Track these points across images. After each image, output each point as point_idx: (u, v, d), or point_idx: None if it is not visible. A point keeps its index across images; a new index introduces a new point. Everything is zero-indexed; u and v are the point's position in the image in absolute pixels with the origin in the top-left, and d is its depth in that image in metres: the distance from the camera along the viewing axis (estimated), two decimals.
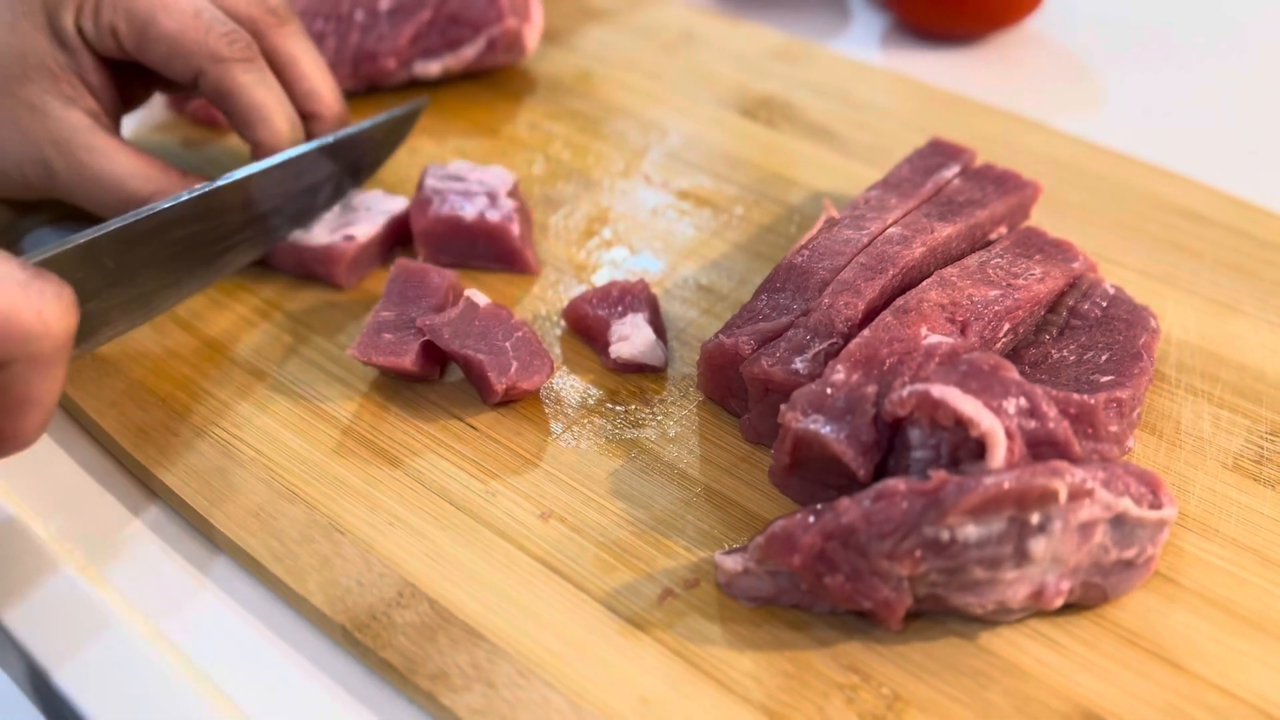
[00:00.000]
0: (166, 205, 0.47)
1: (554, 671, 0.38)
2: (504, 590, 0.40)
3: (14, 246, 0.57)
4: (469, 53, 0.66)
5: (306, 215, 0.54)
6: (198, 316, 0.52)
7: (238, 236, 0.51)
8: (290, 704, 0.39)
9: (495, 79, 0.69)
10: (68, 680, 0.39)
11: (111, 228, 0.45)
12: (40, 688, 0.41)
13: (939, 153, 0.55)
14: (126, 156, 0.51)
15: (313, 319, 0.52)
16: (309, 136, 0.54)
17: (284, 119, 0.51)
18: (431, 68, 0.67)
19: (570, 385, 0.49)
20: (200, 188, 0.48)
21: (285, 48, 0.53)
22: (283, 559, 0.41)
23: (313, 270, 0.53)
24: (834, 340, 0.44)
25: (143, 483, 0.46)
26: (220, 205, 0.49)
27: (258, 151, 0.52)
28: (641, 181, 0.61)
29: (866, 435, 0.41)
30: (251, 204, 0.51)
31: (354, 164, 0.56)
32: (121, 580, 0.42)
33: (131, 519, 0.44)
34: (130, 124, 0.66)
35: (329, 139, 0.54)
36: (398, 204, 0.55)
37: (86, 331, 0.44)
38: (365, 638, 0.39)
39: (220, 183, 0.49)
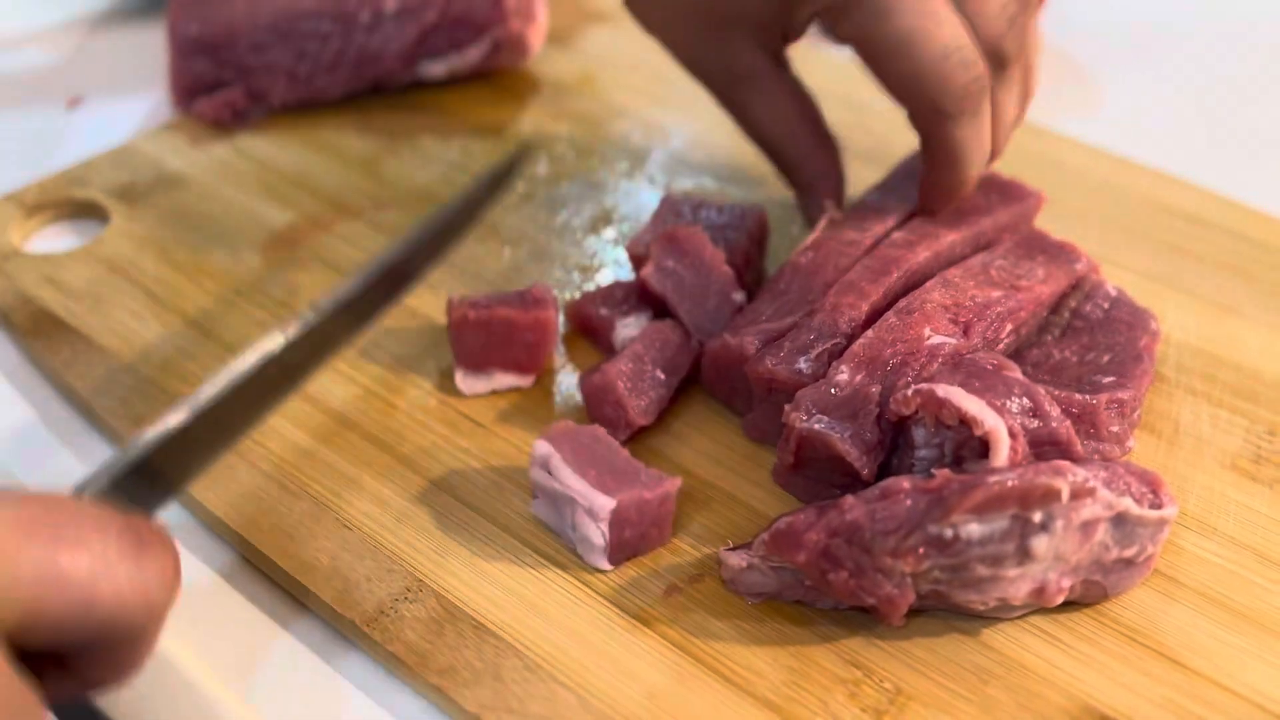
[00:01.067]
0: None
1: (561, 666, 0.38)
2: (510, 586, 0.41)
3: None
4: (473, 54, 0.67)
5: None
6: (207, 316, 0.52)
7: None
8: (298, 699, 0.39)
9: (499, 80, 0.70)
10: None
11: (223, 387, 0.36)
12: None
13: None
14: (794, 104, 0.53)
15: None
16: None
17: (976, 170, 0.48)
18: (436, 69, 0.67)
19: (575, 384, 0.49)
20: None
21: (999, 93, 0.47)
22: (291, 554, 0.42)
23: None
24: (838, 340, 0.45)
25: None
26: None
27: (926, 193, 0.49)
28: (645, 183, 0.62)
29: (870, 435, 0.41)
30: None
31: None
32: None
33: None
34: (134, 123, 0.67)
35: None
36: None
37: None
38: (374, 632, 0.39)
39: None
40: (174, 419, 0.35)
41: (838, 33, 0.47)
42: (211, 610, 0.42)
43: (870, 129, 0.65)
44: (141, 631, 0.30)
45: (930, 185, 0.49)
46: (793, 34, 0.52)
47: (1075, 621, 0.40)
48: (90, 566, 0.28)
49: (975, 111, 0.45)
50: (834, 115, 0.66)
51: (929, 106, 0.45)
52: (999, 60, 0.46)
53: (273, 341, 0.38)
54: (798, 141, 0.53)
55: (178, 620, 0.41)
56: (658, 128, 0.66)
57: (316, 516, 0.43)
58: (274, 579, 0.42)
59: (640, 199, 0.60)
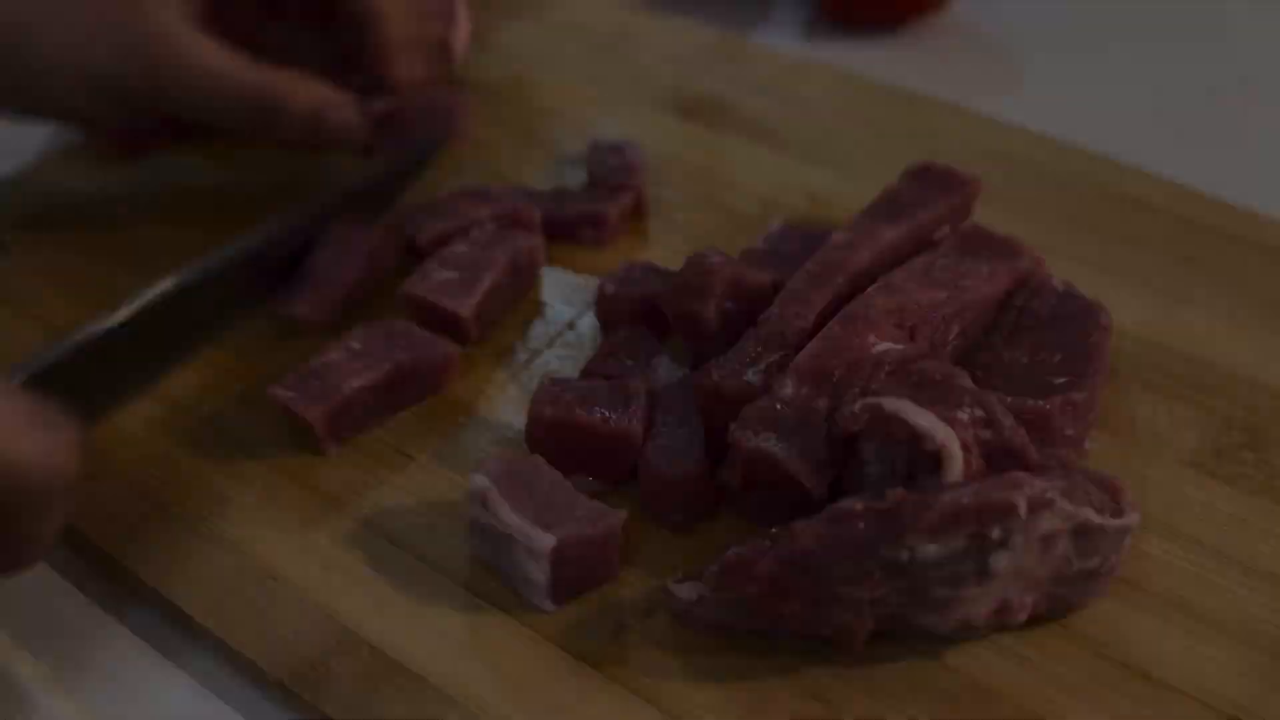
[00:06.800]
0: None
1: (506, 718, 0.36)
2: (450, 632, 0.39)
3: None
4: None
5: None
6: None
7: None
8: None
9: None
10: None
11: (121, 316, 0.45)
12: None
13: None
14: (229, 54, 0.49)
15: (248, 352, 0.49)
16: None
17: (403, 26, 0.52)
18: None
19: (511, 412, 0.47)
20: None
21: None
22: (212, 611, 0.39)
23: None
24: (785, 352, 0.43)
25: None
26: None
27: (367, 55, 0.52)
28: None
29: (820, 451, 0.39)
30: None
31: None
32: (31, 640, 0.40)
33: (47, 572, 0.42)
34: (35, 147, 0.63)
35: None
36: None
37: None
38: (304, 690, 0.37)
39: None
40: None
41: None
42: (119, 672, 0.39)
43: (809, 124, 0.63)
44: (44, 504, 0.32)
45: (377, 56, 0.53)
46: None
47: (1041, 638, 0.38)
48: None
49: None
50: (773, 111, 0.64)
51: None
52: None
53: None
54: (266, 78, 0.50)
55: (81, 687, 0.38)
56: (592, 130, 0.63)
57: (239, 568, 0.41)
58: (193, 636, 0.40)
59: None
